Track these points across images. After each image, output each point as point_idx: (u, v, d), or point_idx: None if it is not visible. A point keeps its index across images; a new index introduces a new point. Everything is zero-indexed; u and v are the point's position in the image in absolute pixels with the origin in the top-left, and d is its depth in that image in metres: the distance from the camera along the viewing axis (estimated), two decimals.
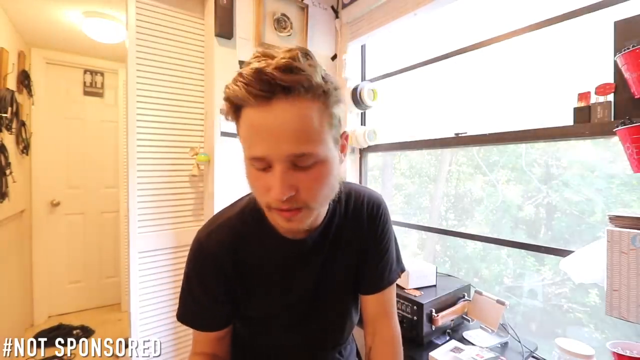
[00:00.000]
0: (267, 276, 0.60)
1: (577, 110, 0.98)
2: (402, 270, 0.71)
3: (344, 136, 0.54)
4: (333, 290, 0.64)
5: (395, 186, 1.94)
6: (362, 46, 1.88)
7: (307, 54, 0.45)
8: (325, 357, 0.70)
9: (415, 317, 1.10)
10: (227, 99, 0.46)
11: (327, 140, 0.48)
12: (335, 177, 0.51)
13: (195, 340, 0.64)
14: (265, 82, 0.42)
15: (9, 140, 1.99)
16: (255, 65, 0.42)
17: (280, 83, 0.41)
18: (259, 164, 0.47)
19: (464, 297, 1.23)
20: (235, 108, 0.46)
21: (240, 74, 0.44)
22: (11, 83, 2.03)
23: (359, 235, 0.64)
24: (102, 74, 2.82)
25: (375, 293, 0.67)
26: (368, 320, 0.70)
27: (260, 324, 0.63)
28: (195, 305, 0.61)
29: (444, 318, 1.11)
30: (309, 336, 0.65)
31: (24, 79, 2.26)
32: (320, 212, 0.57)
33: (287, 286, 0.61)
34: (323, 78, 0.45)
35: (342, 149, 0.54)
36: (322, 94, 0.45)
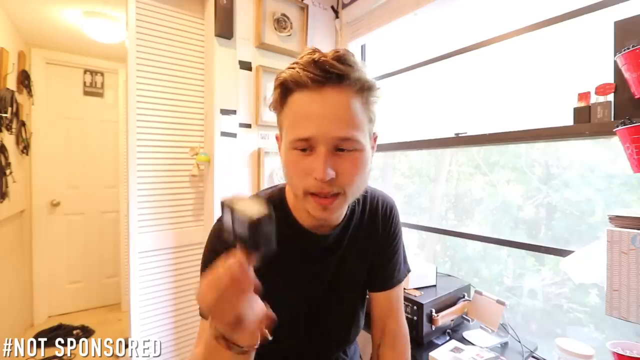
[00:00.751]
0: (284, 266, 0.59)
1: (577, 110, 0.97)
2: (409, 270, 0.73)
3: (375, 137, 0.57)
4: (345, 288, 0.66)
5: (395, 186, 1.94)
6: (362, 46, 1.88)
7: (353, 54, 0.50)
8: (330, 356, 0.71)
9: (415, 317, 1.10)
10: (283, 81, 0.49)
11: (366, 132, 0.51)
12: (368, 171, 0.54)
13: (203, 329, 0.59)
14: (321, 69, 0.46)
15: (9, 140, 1.99)
16: (310, 56, 0.48)
17: (335, 71, 0.46)
18: (302, 145, 0.49)
19: (464, 297, 1.23)
20: (285, 93, 0.50)
21: (295, 62, 0.49)
22: (11, 83, 2.03)
23: (373, 236, 0.66)
24: (102, 74, 2.82)
25: (386, 290, 0.69)
26: (377, 317, 0.72)
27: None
28: None
29: (444, 318, 1.11)
30: (316, 332, 0.65)
31: (24, 79, 2.26)
32: (349, 205, 0.58)
33: (302, 279, 0.62)
34: (368, 76, 0.50)
35: (373, 149, 0.56)
36: (366, 89, 0.50)
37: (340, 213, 0.55)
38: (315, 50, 0.49)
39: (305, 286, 0.62)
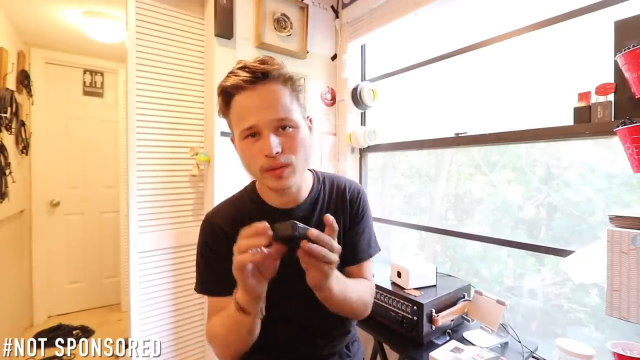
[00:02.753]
0: None
1: (577, 110, 0.98)
2: (379, 249, 0.82)
3: (309, 118, 0.69)
4: None
5: (395, 186, 1.94)
6: (362, 46, 1.88)
7: (273, 57, 0.63)
8: (330, 332, 0.74)
9: (415, 317, 1.10)
10: (223, 90, 0.61)
11: (298, 113, 0.63)
12: (309, 146, 0.66)
13: (211, 308, 0.71)
14: (249, 71, 0.59)
15: (8, 140, 1.99)
16: (239, 65, 0.61)
17: (260, 70, 0.59)
18: (249, 132, 0.60)
19: (464, 297, 1.23)
20: (227, 99, 0.62)
21: (231, 72, 0.61)
22: (11, 83, 2.03)
23: (342, 213, 0.75)
24: (102, 74, 2.82)
25: (357, 263, 0.77)
26: None
27: None
28: (209, 273, 0.70)
29: (444, 318, 1.11)
30: (300, 309, 0.70)
31: (24, 79, 2.25)
32: (302, 178, 0.69)
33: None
34: (288, 71, 0.63)
35: (309, 129, 0.69)
36: (288, 80, 0.62)
37: (294, 181, 0.63)
38: (242, 61, 0.62)
39: (286, 269, 0.66)
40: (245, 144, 0.61)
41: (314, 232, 0.50)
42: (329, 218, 0.53)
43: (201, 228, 0.72)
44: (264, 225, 0.50)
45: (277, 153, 0.59)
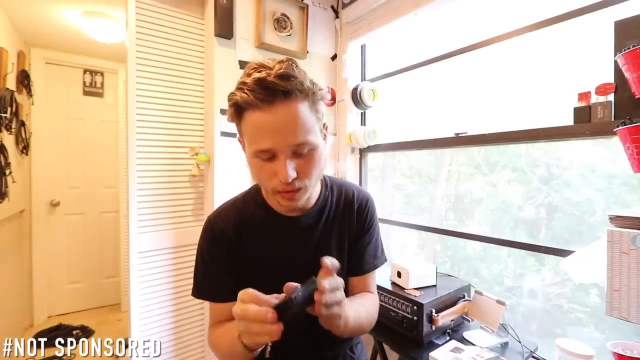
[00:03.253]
0: (265, 249, 0.68)
1: (577, 110, 0.98)
2: (385, 260, 0.79)
3: (325, 126, 0.65)
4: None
5: (395, 186, 1.94)
6: (362, 46, 1.88)
7: (296, 64, 0.56)
8: (337, 350, 0.75)
9: (415, 317, 1.10)
10: (235, 104, 0.55)
11: (316, 130, 0.59)
12: (324, 160, 0.62)
13: (212, 314, 0.70)
14: (268, 89, 0.52)
15: (8, 140, 1.99)
16: (257, 75, 0.52)
17: (281, 89, 0.52)
18: (265, 155, 0.56)
19: (464, 297, 1.23)
20: (239, 112, 0.56)
21: (243, 83, 0.54)
22: (11, 83, 2.03)
23: (349, 225, 0.73)
24: (102, 74, 2.82)
25: (362, 274, 0.75)
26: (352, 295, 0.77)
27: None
28: (209, 279, 0.68)
29: (444, 318, 1.11)
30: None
31: (24, 79, 2.26)
32: (312, 191, 0.66)
33: (283, 257, 0.68)
34: (310, 81, 0.56)
35: (324, 137, 0.65)
36: (311, 95, 0.56)
37: (305, 198, 0.62)
38: (259, 67, 0.54)
39: (288, 264, 0.68)
40: (258, 162, 0.57)
41: (319, 295, 0.47)
42: (325, 261, 0.50)
43: (202, 231, 0.70)
44: (272, 315, 0.46)
45: (292, 180, 0.55)
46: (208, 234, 0.69)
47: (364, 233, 0.74)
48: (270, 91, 0.52)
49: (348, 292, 0.77)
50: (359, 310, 0.64)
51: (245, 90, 0.53)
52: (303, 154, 0.56)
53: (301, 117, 0.54)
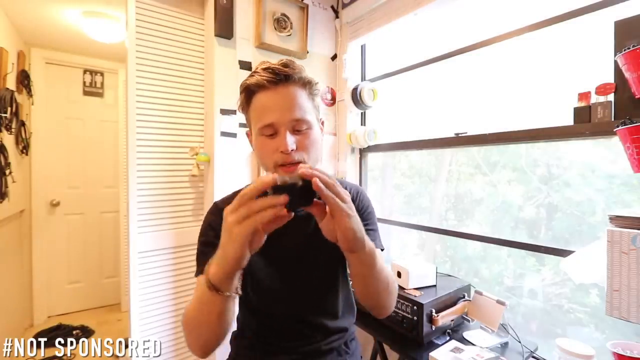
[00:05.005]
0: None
1: (577, 110, 0.98)
2: (382, 248, 0.79)
3: (322, 121, 0.73)
4: (319, 254, 0.73)
5: (395, 186, 1.94)
6: (362, 46, 1.88)
7: (294, 61, 0.67)
8: (332, 344, 0.75)
9: (415, 317, 1.10)
10: (248, 86, 0.65)
11: (312, 115, 0.67)
12: (320, 146, 0.70)
13: (197, 287, 0.70)
14: (273, 73, 0.63)
15: (8, 140, 1.99)
16: (264, 66, 0.65)
17: (283, 73, 0.63)
18: (268, 131, 0.64)
19: (464, 297, 1.23)
20: (249, 96, 0.66)
21: (254, 71, 0.66)
22: (11, 83, 2.03)
23: None
24: (102, 74, 2.82)
25: None
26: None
27: (250, 286, 0.72)
28: (213, 250, 0.69)
29: (444, 318, 1.11)
30: (294, 301, 0.72)
31: (24, 79, 2.25)
32: None
33: (275, 243, 0.67)
34: (307, 74, 0.67)
35: (321, 130, 0.72)
36: (307, 84, 0.67)
37: None
38: (266, 62, 0.66)
39: (280, 248, 0.69)
40: (263, 140, 0.65)
41: (316, 180, 0.46)
42: (304, 171, 0.47)
43: (207, 214, 0.73)
44: (273, 176, 0.47)
45: (292, 150, 0.62)
46: (213, 209, 0.74)
47: (362, 220, 0.75)
48: (275, 74, 0.63)
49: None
50: (380, 254, 0.63)
51: (255, 75, 0.64)
52: (301, 130, 0.64)
53: (299, 98, 0.64)
